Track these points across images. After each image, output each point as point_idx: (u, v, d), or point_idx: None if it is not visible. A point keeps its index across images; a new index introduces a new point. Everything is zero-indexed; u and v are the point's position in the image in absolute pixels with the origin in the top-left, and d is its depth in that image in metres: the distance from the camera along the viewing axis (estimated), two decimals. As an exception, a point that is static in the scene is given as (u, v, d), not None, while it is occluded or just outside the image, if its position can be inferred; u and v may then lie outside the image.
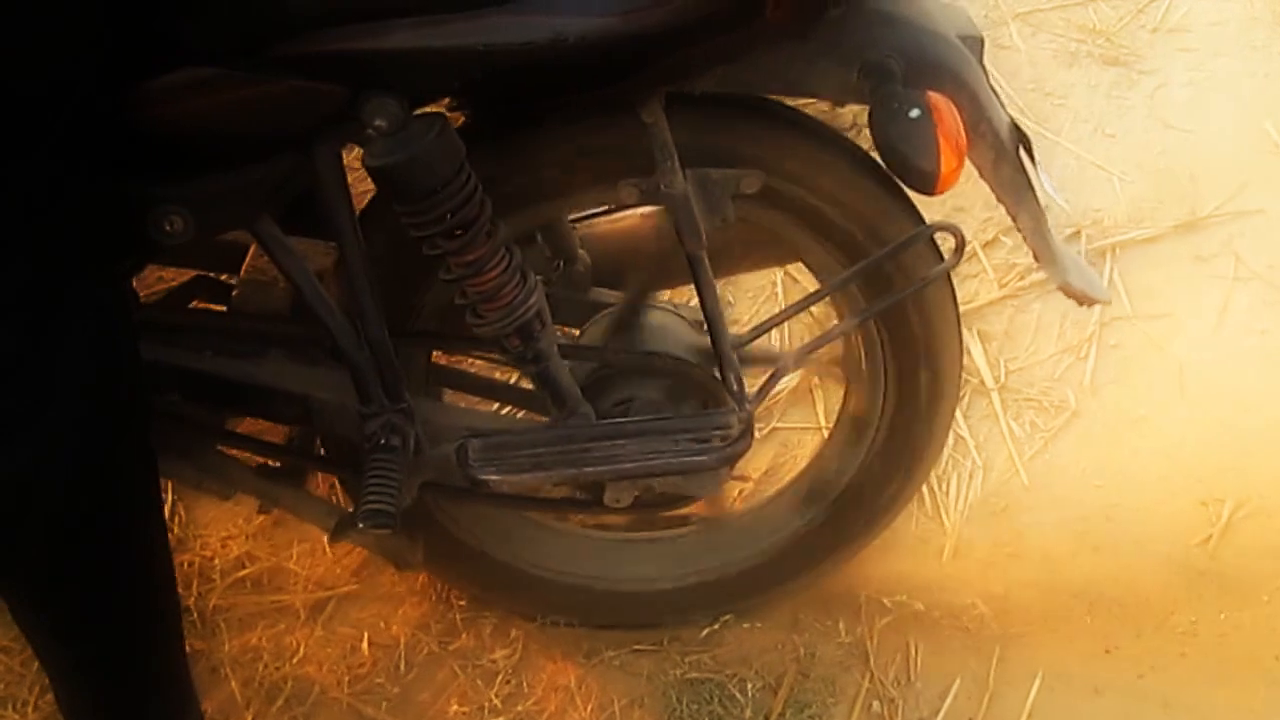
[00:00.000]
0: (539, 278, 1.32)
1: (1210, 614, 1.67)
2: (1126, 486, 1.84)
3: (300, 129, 1.14)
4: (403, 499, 1.22)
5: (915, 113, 1.05)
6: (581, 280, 1.45)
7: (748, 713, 1.56)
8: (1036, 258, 1.29)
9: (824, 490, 1.53)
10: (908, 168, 1.05)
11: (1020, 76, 2.54)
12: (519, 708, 1.57)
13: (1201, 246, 2.18)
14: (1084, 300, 1.33)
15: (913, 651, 1.64)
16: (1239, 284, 2.11)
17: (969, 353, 2.01)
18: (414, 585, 1.68)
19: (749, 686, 1.59)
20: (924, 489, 1.81)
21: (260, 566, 1.70)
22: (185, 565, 1.68)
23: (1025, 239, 1.27)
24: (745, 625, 1.65)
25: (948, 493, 1.83)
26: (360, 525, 1.19)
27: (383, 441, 1.23)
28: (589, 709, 1.58)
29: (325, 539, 1.66)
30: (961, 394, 1.95)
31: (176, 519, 1.73)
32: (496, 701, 1.58)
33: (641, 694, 1.59)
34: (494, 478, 1.22)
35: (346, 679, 1.60)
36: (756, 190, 1.20)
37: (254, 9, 1.04)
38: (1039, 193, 1.25)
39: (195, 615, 1.63)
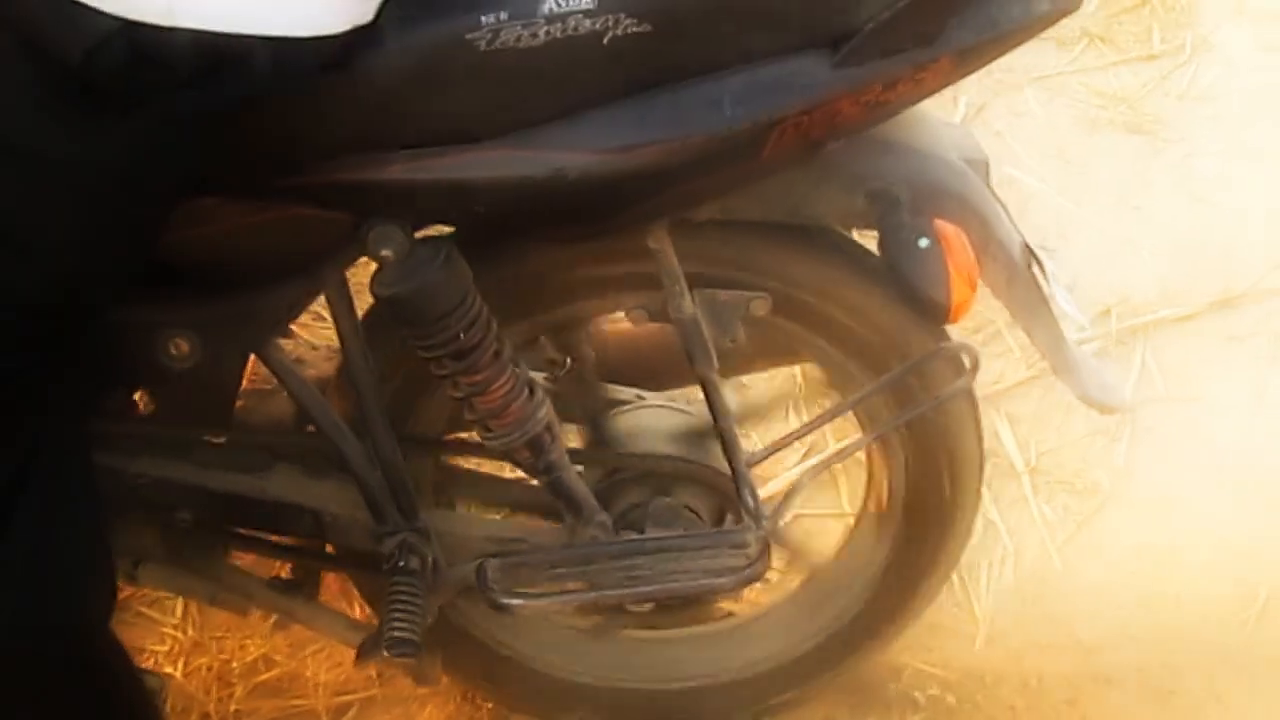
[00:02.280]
0: (546, 377, 1.34)
1: (1257, 707, 1.65)
2: (1163, 573, 1.81)
3: (306, 255, 1.14)
4: (425, 621, 1.22)
5: (924, 242, 1.06)
6: (589, 376, 1.44)
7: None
8: (1054, 371, 1.27)
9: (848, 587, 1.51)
10: (919, 298, 1.05)
11: (1039, 143, 2.52)
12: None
13: (1236, 326, 2.16)
14: (1105, 410, 1.32)
15: (948, 751, 1.62)
16: (1277, 365, 2.08)
17: (998, 436, 1.99)
18: (438, 686, 1.66)
19: (784, 790, 1.58)
20: (954, 576, 1.77)
21: (280, 670, 1.69)
22: (204, 670, 1.68)
23: (1042, 354, 1.27)
24: (779, 725, 1.64)
25: (978, 580, 1.81)
26: (386, 654, 1.19)
27: (401, 564, 1.23)
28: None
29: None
30: (989, 477, 1.94)
31: (190, 622, 1.73)
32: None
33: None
34: (516, 603, 1.21)
35: (372, 784, 1.60)
36: (766, 312, 1.19)
37: (275, 145, 1.04)
38: (1054, 307, 1.24)
39: (215, 721, 1.63)
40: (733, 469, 1.22)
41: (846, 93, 1.00)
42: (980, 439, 1.36)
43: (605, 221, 1.08)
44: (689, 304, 1.15)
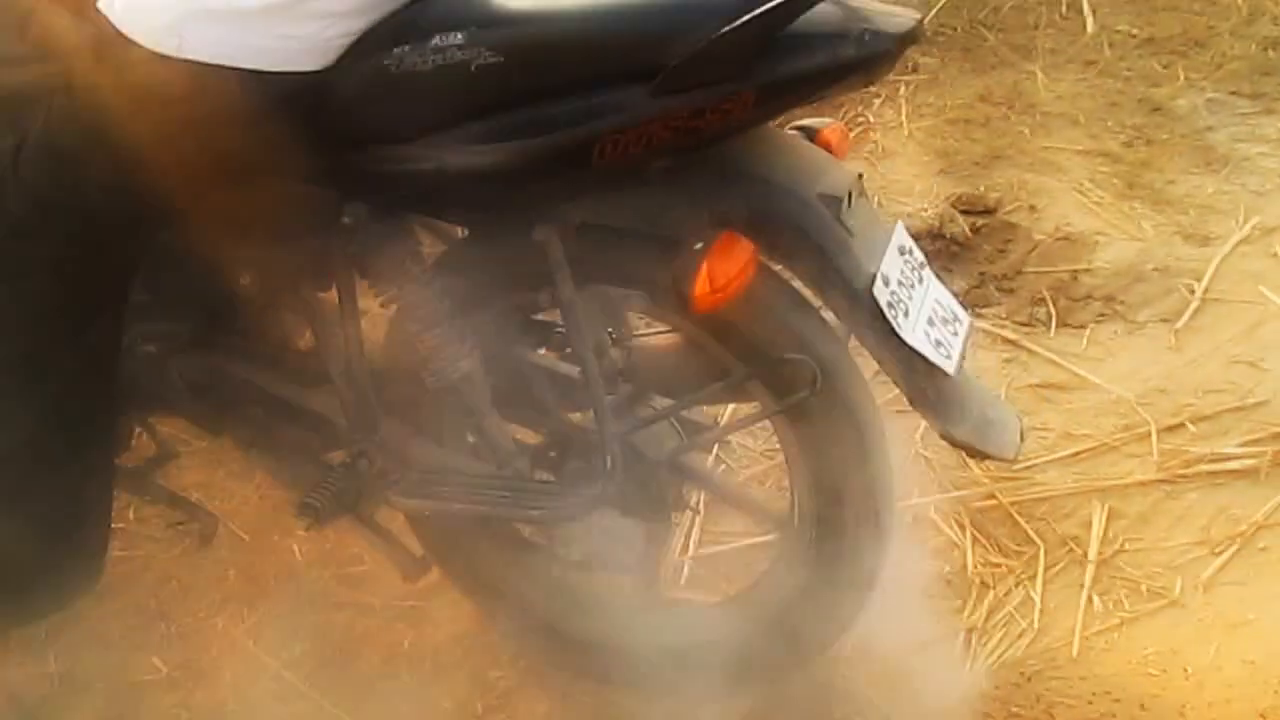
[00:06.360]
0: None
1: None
2: (1185, 683, 1.90)
3: (319, 223, 1.63)
4: (343, 506, 1.69)
5: (699, 245, 1.40)
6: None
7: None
8: (910, 402, 1.53)
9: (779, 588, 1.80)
10: (673, 290, 1.41)
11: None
12: None
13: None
14: (972, 453, 1.55)
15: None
16: None
17: (1089, 527, 2.17)
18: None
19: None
20: (961, 635, 2.01)
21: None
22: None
23: (894, 383, 1.52)
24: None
25: (986, 645, 2.00)
26: (295, 514, 1.68)
27: (348, 462, 1.71)
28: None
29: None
30: (1055, 561, 2.14)
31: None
32: None
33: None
34: (399, 500, 1.67)
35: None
36: (644, 308, 1.56)
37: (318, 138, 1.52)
38: (910, 340, 1.50)
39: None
40: (600, 434, 1.59)
41: (656, 118, 1.37)
42: (863, 446, 1.62)
43: (487, 210, 1.52)
44: (570, 290, 1.54)
